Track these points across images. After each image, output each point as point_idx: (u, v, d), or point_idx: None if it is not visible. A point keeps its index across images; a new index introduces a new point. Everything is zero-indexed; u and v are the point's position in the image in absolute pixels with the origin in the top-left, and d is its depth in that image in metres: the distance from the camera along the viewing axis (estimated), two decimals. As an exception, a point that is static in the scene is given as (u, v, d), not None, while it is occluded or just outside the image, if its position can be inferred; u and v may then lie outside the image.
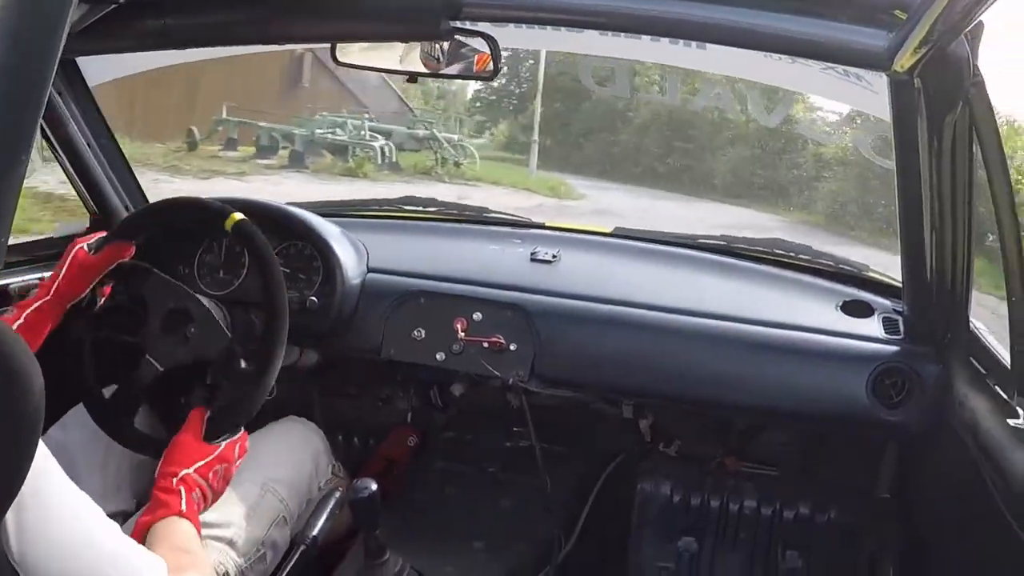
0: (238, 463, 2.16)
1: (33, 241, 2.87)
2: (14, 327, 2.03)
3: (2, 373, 1.20)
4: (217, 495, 2.10)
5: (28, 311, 2.19)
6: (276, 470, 2.31)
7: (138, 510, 1.76)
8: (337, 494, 2.18)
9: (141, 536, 1.87)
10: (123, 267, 2.33)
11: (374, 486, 2.08)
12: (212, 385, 2.23)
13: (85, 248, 2.30)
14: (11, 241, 0.97)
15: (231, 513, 2.18)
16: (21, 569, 1.35)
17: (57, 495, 1.42)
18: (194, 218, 2.51)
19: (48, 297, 2.22)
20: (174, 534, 1.89)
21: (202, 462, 2.06)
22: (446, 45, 2.06)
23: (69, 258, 2.29)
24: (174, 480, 1.99)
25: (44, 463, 1.38)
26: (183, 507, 1.93)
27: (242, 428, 2.16)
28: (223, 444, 2.10)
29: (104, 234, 2.37)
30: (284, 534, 2.26)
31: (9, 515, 1.29)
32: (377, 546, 2.15)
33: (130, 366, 2.28)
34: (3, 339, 1.21)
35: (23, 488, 1.25)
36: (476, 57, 2.09)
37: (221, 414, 2.13)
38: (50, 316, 2.22)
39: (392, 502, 2.56)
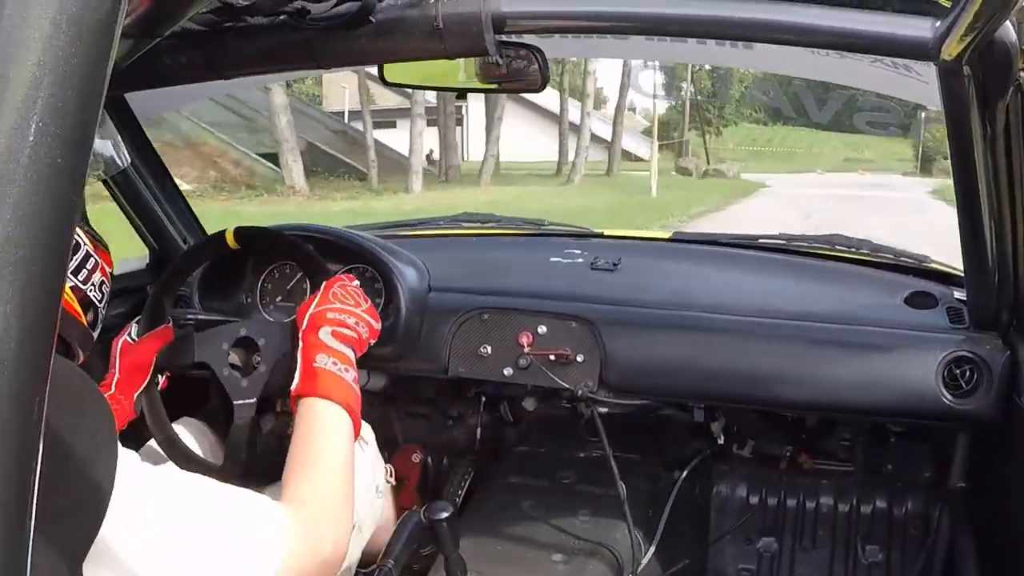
0: (353, 283, 2.22)
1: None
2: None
3: (74, 408, 1.23)
4: (362, 309, 2.17)
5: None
6: None
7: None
8: (416, 518, 2.17)
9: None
10: (168, 352, 2.34)
11: (450, 508, 2.09)
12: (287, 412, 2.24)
13: (128, 340, 2.34)
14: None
15: None
16: None
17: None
18: (204, 255, 2.55)
19: (111, 393, 2.25)
20: (295, 442, 1.89)
21: (314, 305, 2.12)
22: (501, 59, 2.08)
23: (117, 357, 2.32)
24: (301, 347, 2.03)
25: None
26: (295, 385, 1.96)
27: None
28: (322, 284, 2.20)
29: (136, 321, 2.41)
30: (359, 541, 2.27)
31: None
32: (457, 567, 2.15)
33: (227, 421, 2.31)
34: (72, 377, 1.25)
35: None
36: (527, 68, 2.10)
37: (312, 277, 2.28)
38: (120, 412, 2.24)
39: (470, 522, 2.56)
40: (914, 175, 42.03)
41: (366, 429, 2.57)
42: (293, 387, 1.96)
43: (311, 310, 2.10)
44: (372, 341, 2.21)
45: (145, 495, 1.39)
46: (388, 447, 2.78)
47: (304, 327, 2.07)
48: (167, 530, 1.42)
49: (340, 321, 2.08)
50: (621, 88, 38.52)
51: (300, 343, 2.06)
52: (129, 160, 2.52)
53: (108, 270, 1.98)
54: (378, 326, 2.22)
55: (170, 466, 1.56)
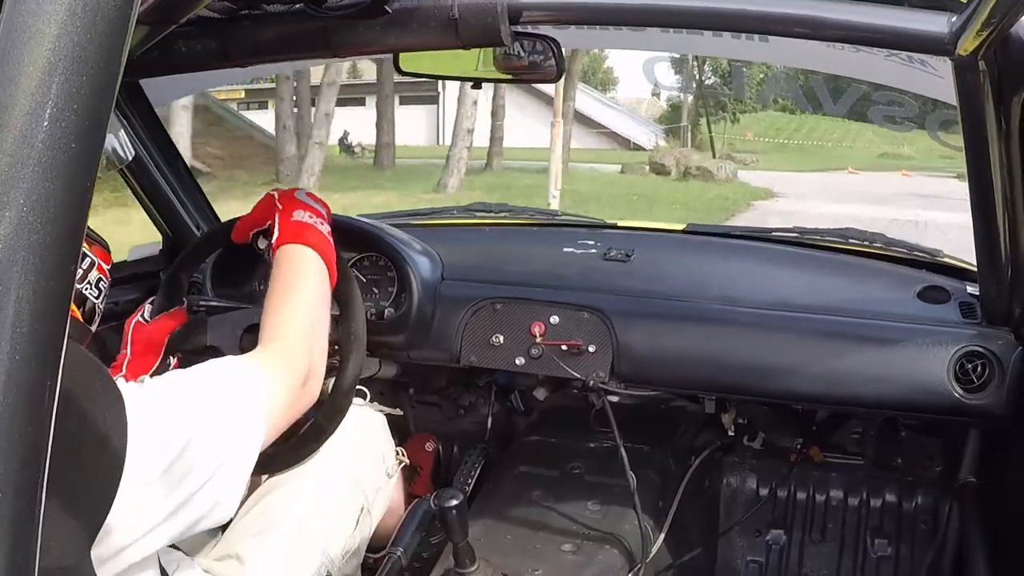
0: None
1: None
2: None
3: (87, 401, 1.24)
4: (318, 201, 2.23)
5: None
6: (348, 467, 2.31)
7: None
8: (426, 506, 2.19)
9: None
10: (182, 334, 2.36)
11: (461, 496, 2.10)
12: None
13: (140, 320, 2.37)
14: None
15: (318, 512, 2.19)
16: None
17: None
18: (223, 240, 2.55)
19: (123, 374, 2.26)
20: (272, 285, 2.00)
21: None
22: (519, 48, 2.08)
23: (130, 336, 2.35)
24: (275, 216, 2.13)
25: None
26: (274, 238, 2.06)
27: None
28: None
29: (150, 302, 2.44)
30: (368, 524, 2.29)
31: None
32: (466, 555, 2.16)
33: None
34: (87, 370, 1.26)
35: None
36: (542, 60, 2.11)
37: None
38: None
39: (479, 510, 2.58)
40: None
41: (375, 413, 2.60)
42: (274, 240, 2.04)
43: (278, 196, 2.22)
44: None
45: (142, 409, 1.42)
46: (400, 435, 2.78)
47: (277, 197, 2.17)
48: (165, 413, 1.50)
49: (309, 193, 2.21)
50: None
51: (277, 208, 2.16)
52: (133, 153, 2.52)
53: (106, 267, 2.05)
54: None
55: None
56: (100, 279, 2.01)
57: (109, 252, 2.08)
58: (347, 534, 2.19)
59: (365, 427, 2.46)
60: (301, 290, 1.99)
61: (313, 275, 2.04)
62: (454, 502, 2.06)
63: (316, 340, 1.94)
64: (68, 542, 1.19)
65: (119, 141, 2.39)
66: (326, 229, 2.15)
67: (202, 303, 2.56)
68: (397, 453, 2.57)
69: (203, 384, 1.64)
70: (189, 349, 2.35)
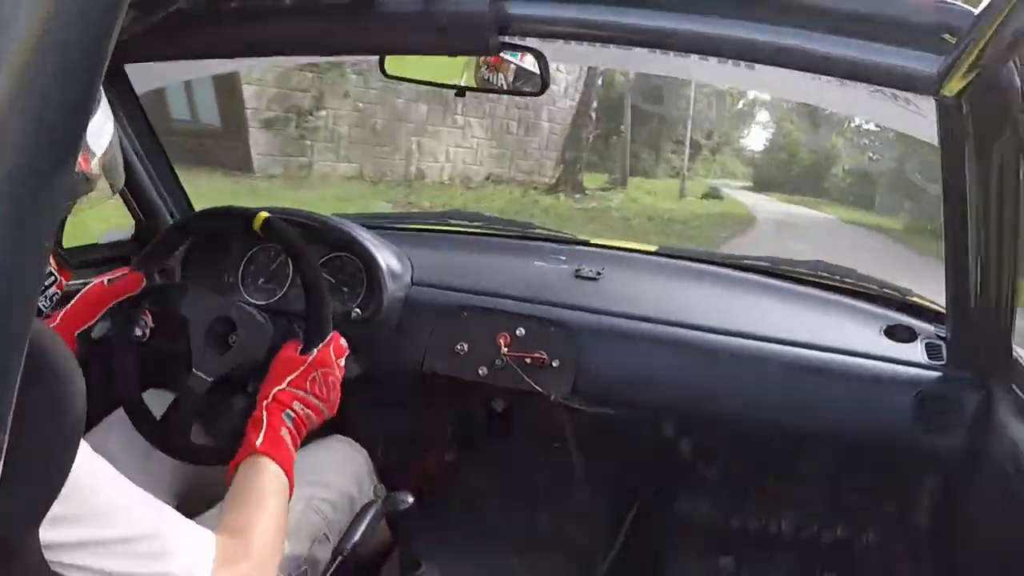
0: (340, 363, 2.20)
1: (77, 247, 2.89)
2: None
3: (47, 374, 1.22)
4: (326, 402, 2.14)
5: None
6: (319, 488, 2.30)
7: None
8: (376, 506, 2.17)
9: (230, 480, 1.91)
10: (157, 291, 2.36)
11: (411, 499, 2.09)
12: (254, 392, 2.24)
13: (104, 282, 2.34)
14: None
15: None
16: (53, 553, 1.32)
17: (106, 487, 1.42)
18: (222, 226, 2.54)
19: (55, 324, 2.25)
20: (245, 485, 1.89)
21: (295, 373, 2.10)
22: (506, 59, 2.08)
23: (84, 290, 2.33)
24: (265, 403, 2.03)
25: (89, 461, 1.39)
26: (260, 440, 1.94)
27: (330, 332, 2.21)
28: (315, 351, 2.14)
29: (126, 270, 2.41)
30: (325, 551, 2.24)
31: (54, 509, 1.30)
32: (413, 560, 2.15)
33: (180, 384, 2.30)
34: (47, 343, 1.24)
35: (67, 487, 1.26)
36: (528, 72, 2.11)
37: (308, 332, 2.20)
38: None
39: (430, 516, 2.58)
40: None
41: (359, 450, 2.59)
42: (259, 443, 1.96)
43: (284, 385, 2.11)
44: (316, 426, 2.20)
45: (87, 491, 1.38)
46: (351, 433, 2.78)
47: (271, 399, 2.07)
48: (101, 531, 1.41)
49: (299, 415, 2.09)
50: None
51: (264, 396, 2.08)
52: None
53: (64, 283, 2.04)
54: (330, 416, 2.21)
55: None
56: (55, 294, 2.02)
57: (72, 272, 2.08)
58: (298, 555, 2.18)
59: (339, 461, 2.47)
60: (274, 514, 1.88)
61: (284, 501, 1.94)
62: (404, 506, 2.05)
63: (278, 560, 1.84)
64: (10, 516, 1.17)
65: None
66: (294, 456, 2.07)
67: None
68: (375, 487, 2.55)
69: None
70: (162, 305, 2.36)
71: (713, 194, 28.13)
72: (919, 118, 2.03)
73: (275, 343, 2.26)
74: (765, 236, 19.96)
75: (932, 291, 2.79)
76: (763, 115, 42.96)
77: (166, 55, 2.20)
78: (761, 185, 37.49)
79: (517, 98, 16.33)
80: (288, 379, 2.11)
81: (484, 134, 20.98)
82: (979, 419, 2.39)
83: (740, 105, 39.91)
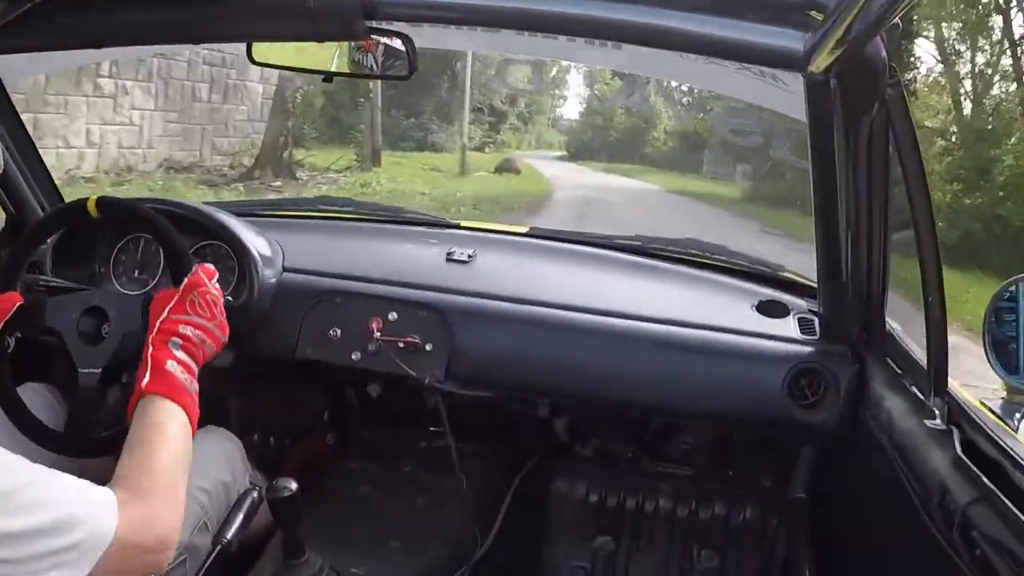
0: (214, 283, 2.16)
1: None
2: None
3: None
4: (213, 320, 2.13)
5: None
6: (195, 477, 2.25)
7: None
8: (254, 494, 2.14)
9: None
10: (17, 318, 2.26)
11: (294, 485, 2.05)
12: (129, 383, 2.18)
13: None
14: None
15: None
16: None
17: None
18: (63, 222, 2.47)
19: None
20: (139, 429, 1.86)
21: (171, 303, 2.08)
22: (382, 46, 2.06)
23: None
24: (149, 339, 2.02)
25: None
26: (146, 380, 1.92)
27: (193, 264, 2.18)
28: (184, 279, 2.12)
29: None
30: (205, 540, 2.20)
31: None
32: (296, 546, 2.12)
33: (71, 389, 2.26)
34: None
35: None
36: (396, 57, 2.09)
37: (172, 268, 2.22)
38: None
39: (311, 501, 2.54)
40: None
41: (233, 439, 2.56)
42: (144, 383, 1.93)
43: (164, 316, 2.08)
44: (217, 351, 2.17)
45: None
46: (224, 422, 2.72)
47: (155, 332, 2.04)
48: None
49: (189, 337, 2.06)
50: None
51: (150, 335, 2.04)
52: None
53: None
54: (225, 339, 2.19)
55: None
56: None
57: None
58: (180, 544, 2.13)
59: (213, 451, 2.42)
60: (171, 449, 1.87)
61: (183, 436, 1.92)
62: (286, 493, 2.02)
63: (180, 498, 1.83)
64: None
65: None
66: (195, 388, 2.03)
67: (41, 283, 2.54)
68: (249, 475, 2.50)
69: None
70: (28, 329, 2.29)
71: (506, 167, 25.88)
72: (787, 95, 2.04)
73: (146, 307, 2.19)
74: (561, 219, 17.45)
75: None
76: (576, 78, 42.22)
77: (34, 46, 2.13)
78: (576, 155, 36.68)
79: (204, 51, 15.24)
80: (166, 310, 2.07)
81: (154, 103, 15.83)
82: (853, 392, 2.42)
83: (554, 72, 38.24)
